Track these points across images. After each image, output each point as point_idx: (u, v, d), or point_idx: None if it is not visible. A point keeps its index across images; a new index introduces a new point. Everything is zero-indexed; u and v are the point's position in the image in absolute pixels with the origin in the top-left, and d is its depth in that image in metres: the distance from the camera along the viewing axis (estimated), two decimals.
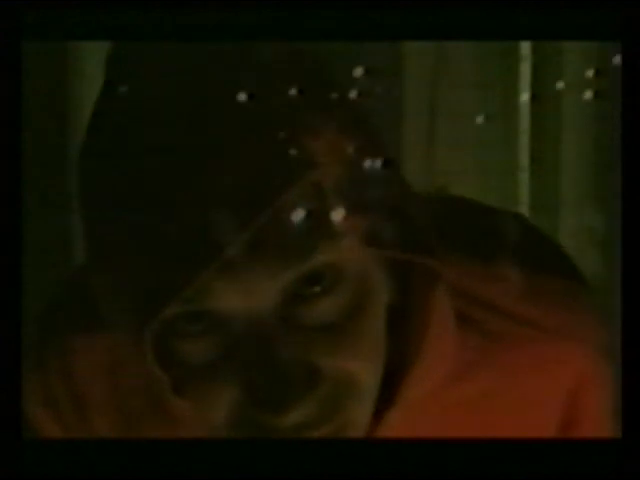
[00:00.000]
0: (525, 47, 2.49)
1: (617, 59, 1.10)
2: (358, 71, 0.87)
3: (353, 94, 0.77)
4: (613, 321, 1.65)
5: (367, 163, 0.63)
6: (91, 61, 1.93)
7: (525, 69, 2.50)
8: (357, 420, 0.67)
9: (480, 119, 2.79)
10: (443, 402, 0.73)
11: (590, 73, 1.93)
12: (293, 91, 0.65)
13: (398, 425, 0.70)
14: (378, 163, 0.62)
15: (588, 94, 1.94)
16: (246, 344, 0.61)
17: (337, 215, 0.58)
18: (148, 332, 0.61)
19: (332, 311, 0.61)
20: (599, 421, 0.78)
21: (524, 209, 2.53)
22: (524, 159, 2.52)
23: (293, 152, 0.59)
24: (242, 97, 0.65)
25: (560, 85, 2.05)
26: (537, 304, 0.76)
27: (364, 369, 0.63)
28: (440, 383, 0.69)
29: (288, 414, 0.61)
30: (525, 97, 2.41)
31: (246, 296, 0.59)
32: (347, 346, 0.61)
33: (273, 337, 0.59)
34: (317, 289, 0.60)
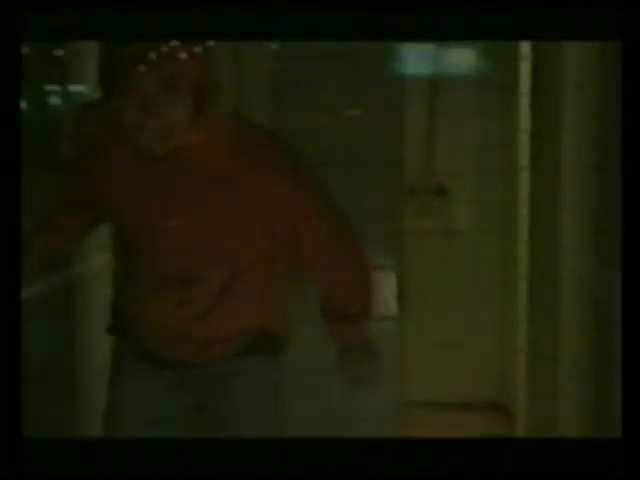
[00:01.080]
0: (525, 47, 2.50)
1: (617, 59, 1.10)
2: None
3: None
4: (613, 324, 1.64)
5: None
6: (91, 61, 1.94)
7: (525, 69, 2.51)
8: None
9: (479, 119, 2.79)
10: None
11: (590, 73, 1.93)
12: None
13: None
14: None
15: (587, 94, 1.94)
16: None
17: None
18: None
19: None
20: None
21: (524, 209, 2.54)
22: (524, 159, 2.53)
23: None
24: None
25: (560, 85, 2.05)
26: None
27: None
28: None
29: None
30: (525, 97, 2.42)
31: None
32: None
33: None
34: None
